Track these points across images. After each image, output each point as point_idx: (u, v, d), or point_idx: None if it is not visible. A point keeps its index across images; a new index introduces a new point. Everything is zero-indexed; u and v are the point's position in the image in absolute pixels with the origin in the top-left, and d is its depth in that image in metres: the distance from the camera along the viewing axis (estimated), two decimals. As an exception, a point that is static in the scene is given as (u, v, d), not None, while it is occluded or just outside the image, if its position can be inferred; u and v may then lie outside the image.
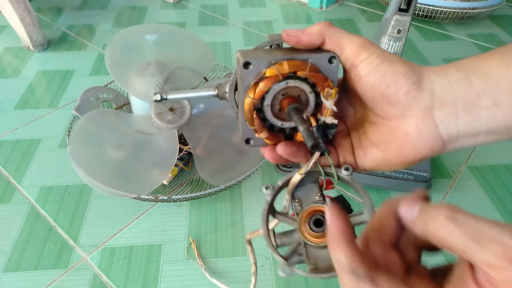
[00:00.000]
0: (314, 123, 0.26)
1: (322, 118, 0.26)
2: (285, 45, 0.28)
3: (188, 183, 0.74)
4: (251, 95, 0.25)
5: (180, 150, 0.72)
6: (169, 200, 0.65)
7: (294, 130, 0.28)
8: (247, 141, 0.28)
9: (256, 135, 0.27)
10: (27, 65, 1.07)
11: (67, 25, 1.26)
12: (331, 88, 0.25)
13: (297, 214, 0.28)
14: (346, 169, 0.26)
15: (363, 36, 0.25)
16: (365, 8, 1.41)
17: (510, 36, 1.25)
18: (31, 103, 0.94)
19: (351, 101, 0.28)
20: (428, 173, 0.71)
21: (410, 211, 0.20)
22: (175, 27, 0.84)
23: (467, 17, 1.25)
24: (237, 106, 0.28)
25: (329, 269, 0.25)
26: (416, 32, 1.25)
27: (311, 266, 0.25)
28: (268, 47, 0.28)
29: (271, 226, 0.28)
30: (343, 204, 0.28)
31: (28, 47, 1.12)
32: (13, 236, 0.65)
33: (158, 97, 0.30)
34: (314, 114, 0.27)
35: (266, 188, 0.27)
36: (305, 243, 0.26)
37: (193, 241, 0.64)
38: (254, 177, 0.76)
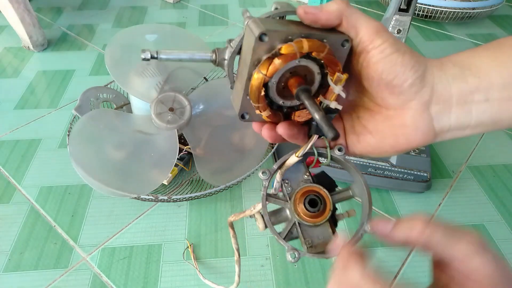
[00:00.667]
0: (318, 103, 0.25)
1: (326, 102, 0.25)
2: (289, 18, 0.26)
3: (188, 183, 0.74)
4: (264, 71, 0.23)
5: (180, 150, 0.72)
6: (169, 200, 0.65)
7: (292, 109, 0.27)
8: (243, 116, 0.26)
9: (257, 111, 0.26)
10: (27, 65, 1.07)
11: (67, 25, 1.26)
12: (342, 73, 0.24)
13: (288, 195, 0.28)
14: (339, 150, 0.27)
15: (377, 20, 0.24)
16: (365, 8, 1.41)
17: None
18: (31, 103, 0.94)
19: (346, 84, 0.27)
20: (428, 173, 0.71)
21: (384, 227, 0.24)
22: (175, 27, 0.84)
23: (467, 17, 1.25)
24: (234, 78, 0.27)
25: (324, 245, 0.26)
26: (416, 32, 1.25)
27: (307, 245, 0.27)
28: (278, 18, 0.26)
29: (258, 207, 0.28)
30: (326, 180, 0.28)
31: (28, 47, 1.12)
32: (13, 236, 0.65)
33: (147, 54, 0.26)
34: (315, 95, 0.26)
35: (263, 173, 0.27)
36: (299, 223, 0.27)
37: (190, 245, 0.64)
38: (254, 177, 0.76)
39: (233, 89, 0.27)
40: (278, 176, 0.28)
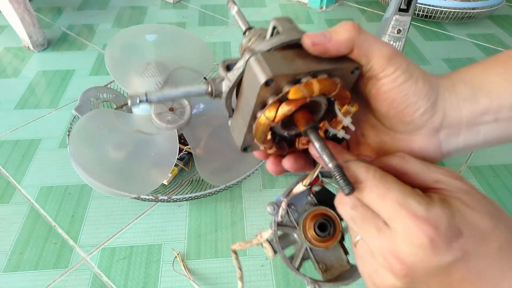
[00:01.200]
0: (321, 134, 0.23)
1: (332, 131, 0.23)
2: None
3: (188, 183, 0.74)
4: (271, 117, 0.21)
5: (180, 150, 0.72)
6: (169, 200, 0.65)
7: (296, 136, 0.25)
8: (245, 149, 0.25)
9: (261, 148, 0.24)
10: (27, 65, 1.07)
11: (67, 25, 1.26)
12: (352, 106, 0.23)
13: (295, 220, 0.28)
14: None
15: (390, 45, 0.23)
16: (365, 8, 1.41)
17: (510, 36, 1.25)
18: (31, 103, 0.94)
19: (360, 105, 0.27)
20: (428, 173, 0.71)
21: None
22: (175, 27, 0.84)
23: (467, 17, 1.25)
24: (233, 111, 0.25)
25: (338, 266, 0.26)
26: (416, 32, 1.25)
27: (321, 269, 0.26)
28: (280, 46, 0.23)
29: (265, 236, 0.28)
30: (328, 196, 0.28)
31: (28, 47, 1.12)
32: (13, 236, 0.65)
33: (135, 101, 0.23)
34: (321, 120, 0.24)
35: (271, 207, 0.27)
36: (310, 248, 0.26)
37: (177, 254, 0.63)
38: (254, 177, 0.76)
39: (233, 120, 0.25)
40: (283, 204, 0.27)
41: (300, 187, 0.27)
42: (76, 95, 0.77)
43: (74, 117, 0.76)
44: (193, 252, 0.64)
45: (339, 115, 0.23)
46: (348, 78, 0.23)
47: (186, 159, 0.75)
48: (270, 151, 0.24)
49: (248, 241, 0.29)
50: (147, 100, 0.23)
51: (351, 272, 0.26)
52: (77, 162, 0.59)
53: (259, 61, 0.21)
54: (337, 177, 0.20)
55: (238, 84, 0.23)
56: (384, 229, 0.20)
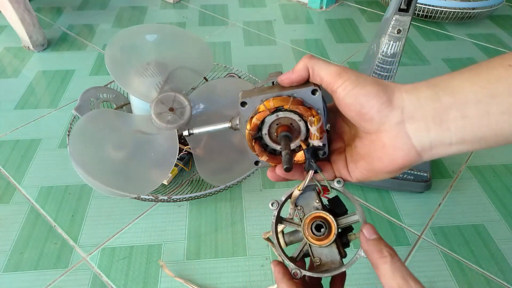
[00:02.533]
0: (304, 146, 0.31)
1: (311, 142, 0.30)
2: None
3: (188, 183, 0.74)
4: (248, 127, 0.30)
5: (180, 150, 0.72)
6: (169, 200, 0.65)
7: (293, 151, 0.32)
8: (256, 163, 0.33)
9: (259, 158, 0.32)
10: (27, 65, 1.07)
11: (67, 25, 1.26)
12: (313, 117, 0.29)
13: (300, 219, 0.32)
14: (338, 182, 0.32)
15: (340, 65, 0.28)
16: (365, 8, 1.41)
17: (510, 36, 1.25)
18: (31, 103, 0.94)
19: (345, 120, 0.32)
20: (428, 173, 0.71)
21: (369, 234, 0.29)
22: (175, 27, 0.84)
23: (467, 17, 1.25)
24: None
25: (331, 264, 0.31)
26: (416, 32, 1.26)
27: (316, 263, 0.31)
28: (271, 83, 0.32)
29: (279, 229, 0.33)
30: (338, 205, 0.32)
31: (28, 47, 1.12)
32: (13, 236, 0.65)
33: (186, 133, 0.37)
34: (306, 138, 0.31)
35: (272, 204, 0.32)
36: (309, 244, 0.31)
37: (162, 265, 0.61)
38: (254, 177, 0.76)
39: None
40: (290, 205, 0.33)
41: (296, 192, 0.32)
42: (76, 95, 0.77)
43: (74, 117, 0.76)
44: (193, 252, 0.64)
45: (309, 126, 0.30)
46: (314, 99, 0.30)
47: (186, 159, 0.75)
48: (263, 158, 0.32)
49: (268, 231, 0.35)
50: (193, 133, 0.37)
51: (335, 270, 0.30)
52: (77, 162, 0.59)
53: (242, 93, 0.31)
54: (283, 158, 0.28)
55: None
56: None
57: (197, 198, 0.67)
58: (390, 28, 0.63)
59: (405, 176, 0.71)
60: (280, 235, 0.33)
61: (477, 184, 0.76)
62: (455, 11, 1.22)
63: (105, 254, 0.63)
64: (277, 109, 0.30)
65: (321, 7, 1.39)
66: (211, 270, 0.61)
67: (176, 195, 0.66)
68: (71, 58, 1.10)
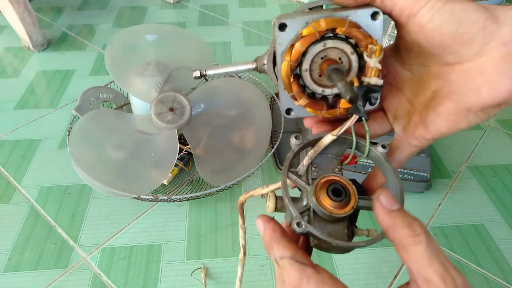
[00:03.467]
0: (357, 83, 0.24)
1: (366, 80, 0.24)
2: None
3: (188, 183, 0.74)
4: (287, 57, 0.24)
5: (180, 150, 0.72)
6: (169, 200, 0.65)
7: (338, 97, 0.26)
8: (287, 112, 0.26)
9: (296, 102, 0.25)
10: (27, 65, 1.07)
11: (67, 25, 1.26)
12: (375, 45, 0.23)
13: (312, 179, 0.26)
14: (383, 147, 0.25)
15: None
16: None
17: (510, 36, 1.25)
18: (31, 103, 0.94)
19: (407, 63, 0.26)
20: (428, 173, 0.72)
21: (390, 203, 0.22)
22: (175, 27, 0.84)
23: (467, 17, 1.24)
24: (277, 78, 0.27)
25: (330, 240, 0.24)
26: (416, 32, 1.25)
27: (312, 242, 0.25)
28: (307, 9, 0.25)
29: (272, 187, 0.27)
30: (356, 187, 0.26)
31: (28, 47, 1.12)
32: (13, 236, 0.65)
33: (197, 73, 0.29)
34: (358, 77, 0.25)
35: (296, 137, 0.26)
36: (314, 210, 0.25)
37: (204, 269, 0.61)
38: (254, 177, 0.76)
39: (278, 91, 0.27)
40: (305, 159, 0.26)
41: (328, 138, 0.26)
42: (76, 95, 0.77)
43: (74, 117, 0.76)
44: (193, 252, 0.64)
45: (366, 58, 0.23)
46: (372, 27, 0.23)
47: (186, 159, 0.75)
48: (301, 102, 0.25)
49: (252, 189, 0.28)
50: (206, 74, 0.29)
51: (335, 248, 0.24)
52: (77, 162, 0.59)
53: (278, 17, 0.24)
54: (342, 87, 0.22)
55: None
56: None
57: (197, 198, 0.67)
58: (390, 28, 0.63)
59: (405, 176, 0.71)
60: (271, 195, 0.27)
61: (477, 184, 0.76)
62: (455, 11, 1.22)
63: (105, 254, 0.63)
64: (324, 36, 0.23)
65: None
66: (211, 270, 0.61)
67: (176, 195, 0.66)
68: (71, 58, 1.10)
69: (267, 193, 0.27)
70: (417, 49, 0.24)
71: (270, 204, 0.27)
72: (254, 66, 0.27)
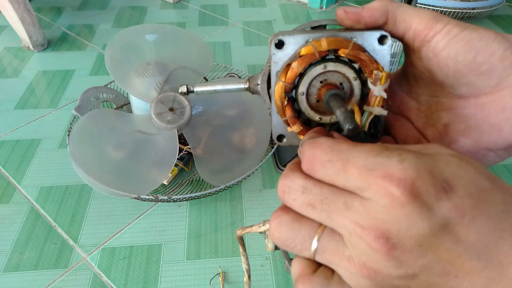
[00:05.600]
0: (358, 112, 0.22)
1: (368, 109, 0.22)
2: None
3: (188, 183, 0.74)
4: (283, 78, 0.21)
5: (180, 150, 0.72)
6: (169, 200, 0.65)
7: (336, 126, 0.23)
8: (279, 138, 0.24)
9: (288, 128, 0.23)
10: (27, 65, 1.07)
11: (67, 25, 1.26)
12: (381, 71, 0.21)
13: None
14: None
15: (430, 10, 0.21)
16: (365, 8, 1.41)
17: (510, 36, 1.25)
18: (31, 103, 0.94)
19: (414, 92, 0.24)
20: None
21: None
22: (175, 27, 0.84)
23: (467, 17, 1.25)
24: (270, 100, 0.24)
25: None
26: (416, 32, 1.25)
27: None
28: (309, 28, 0.23)
29: (268, 227, 0.25)
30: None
31: (28, 47, 1.12)
32: (13, 236, 0.65)
33: (184, 89, 0.26)
34: (359, 107, 0.22)
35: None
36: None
37: (223, 273, 0.60)
38: (254, 177, 0.76)
39: (270, 114, 0.24)
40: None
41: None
42: (76, 95, 0.77)
43: (74, 117, 0.76)
44: (193, 252, 0.64)
45: (370, 85, 0.21)
46: (379, 52, 0.21)
47: (186, 159, 0.75)
48: (294, 128, 0.23)
49: (249, 226, 0.27)
50: (193, 91, 0.26)
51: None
52: (77, 162, 0.59)
53: (275, 34, 0.22)
54: (342, 114, 0.19)
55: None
56: (353, 202, 0.16)
57: (197, 198, 0.67)
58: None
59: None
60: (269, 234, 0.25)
61: (477, 184, 0.76)
62: (455, 11, 1.22)
63: (105, 254, 0.63)
64: (325, 58, 0.21)
65: (321, 7, 1.39)
66: (211, 270, 0.61)
67: (176, 195, 0.66)
68: (71, 58, 1.10)
69: (265, 231, 0.25)
70: (428, 77, 0.22)
71: (270, 244, 0.25)
72: (246, 86, 0.25)
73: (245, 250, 0.29)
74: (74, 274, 0.60)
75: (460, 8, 1.22)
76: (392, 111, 0.25)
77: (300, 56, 0.21)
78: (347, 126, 0.18)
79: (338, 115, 0.19)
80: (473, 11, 1.23)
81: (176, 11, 1.37)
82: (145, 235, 0.66)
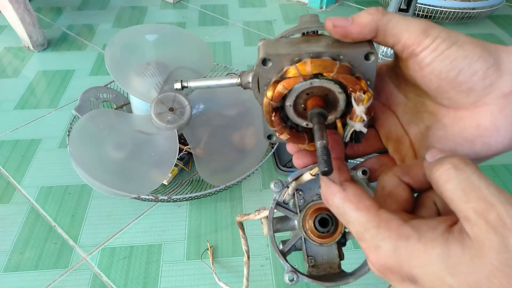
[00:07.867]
0: (340, 128, 0.23)
1: (350, 123, 0.23)
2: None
3: (188, 183, 0.74)
4: (269, 94, 0.22)
5: (180, 150, 0.72)
6: (169, 200, 0.65)
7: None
8: (269, 137, 0.26)
9: (278, 135, 0.25)
10: (27, 65, 1.07)
11: (67, 25, 1.26)
12: (364, 92, 0.21)
13: (299, 207, 0.27)
14: (364, 173, 0.24)
15: (423, 20, 0.21)
16: (365, 8, 1.41)
17: (510, 36, 1.25)
18: (31, 103, 0.94)
19: (403, 88, 0.25)
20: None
21: (433, 156, 0.20)
22: (175, 27, 0.84)
23: (467, 17, 1.25)
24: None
25: (327, 266, 0.26)
26: (416, 32, 1.25)
27: (309, 263, 0.26)
28: (300, 35, 0.24)
29: (264, 214, 0.28)
30: None
31: (28, 47, 1.12)
32: (13, 236, 0.65)
33: (178, 85, 0.27)
34: (345, 114, 0.24)
35: (275, 184, 0.26)
36: (305, 239, 0.26)
37: (210, 247, 0.63)
38: (254, 177, 0.76)
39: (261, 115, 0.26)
40: (290, 189, 0.26)
41: (307, 176, 0.25)
42: (76, 95, 0.77)
43: (74, 117, 0.76)
44: (193, 252, 0.64)
45: (353, 103, 0.22)
46: (365, 67, 0.22)
47: (186, 159, 0.75)
48: (282, 136, 0.24)
49: (247, 214, 0.30)
50: (187, 86, 0.27)
51: (338, 277, 0.25)
52: (77, 162, 0.59)
53: (264, 45, 0.23)
54: (319, 155, 0.20)
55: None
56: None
57: (197, 198, 0.67)
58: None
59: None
60: (264, 221, 0.27)
61: (477, 184, 0.76)
62: (455, 11, 1.22)
63: (105, 254, 0.63)
64: (313, 76, 0.21)
65: (321, 7, 1.39)
66: (211, 270, 0.61)
67: (176, 195, 0.66)
68: (71, 58, 1.10)
69: (260, 219, 0.28)
70: (414, 83, 0.23)
71: (264, 229, 0.27)
72: (238, 81, 0.26)
73: (244, 233, 0.32)
74: (74, 274, 0.60)
75: (460, 8, 1.22)
76: (381, 102, 0.26)
77: (286, 78, 0.22)
78: (321, 168, 0.20)
79: (317, 148, 0.20)
80: (473, 11, 1.23)
81: (176, 11, 1.37)
82: (145, 235, 0.66)
